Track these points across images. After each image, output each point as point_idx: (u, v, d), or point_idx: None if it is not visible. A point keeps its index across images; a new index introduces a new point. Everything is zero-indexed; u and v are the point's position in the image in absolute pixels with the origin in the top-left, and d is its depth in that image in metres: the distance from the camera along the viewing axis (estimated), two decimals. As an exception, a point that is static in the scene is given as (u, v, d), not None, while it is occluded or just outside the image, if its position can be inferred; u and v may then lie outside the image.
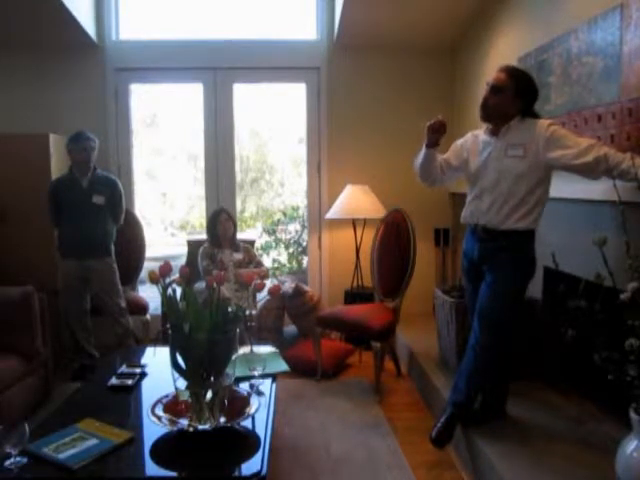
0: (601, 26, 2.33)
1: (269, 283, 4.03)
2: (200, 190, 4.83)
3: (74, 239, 3.55)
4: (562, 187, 2.42)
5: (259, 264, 4.02)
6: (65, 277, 3.60)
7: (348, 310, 3.68)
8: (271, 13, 4.50)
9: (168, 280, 1.91)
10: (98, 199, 3.56)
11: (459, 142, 2.56)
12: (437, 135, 2.40)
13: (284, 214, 5.87)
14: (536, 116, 2.37)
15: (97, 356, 3.70)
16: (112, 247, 3.68)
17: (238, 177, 4.80)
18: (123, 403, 2.25)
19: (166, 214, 6.25)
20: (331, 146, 4.49)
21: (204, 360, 1.84)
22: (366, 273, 4.15)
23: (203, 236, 4.21)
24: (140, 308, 3.98)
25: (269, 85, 4.80)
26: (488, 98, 2.31)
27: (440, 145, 2.47)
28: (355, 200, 4.15)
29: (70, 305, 3.63)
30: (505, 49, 3.41)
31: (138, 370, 2.51)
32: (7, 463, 1.66)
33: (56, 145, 3.86)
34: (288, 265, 5.80)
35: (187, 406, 1.91)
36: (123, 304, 3.68)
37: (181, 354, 1.87)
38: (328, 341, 3.88)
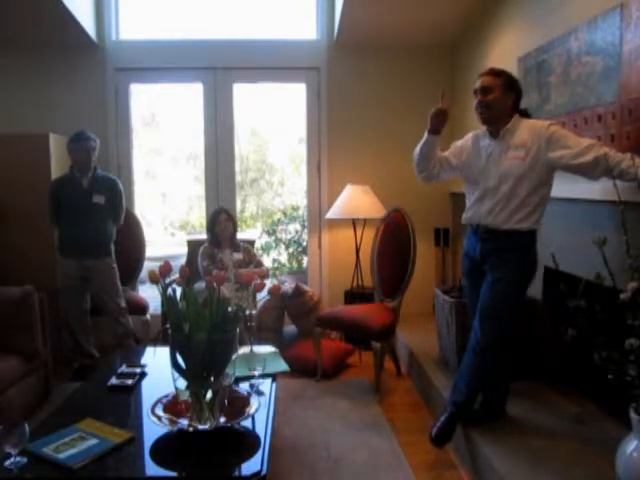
0: (601, 26, 2.33)
1: (269, 283, 4.03)
2: (200, 190, 4.83)
3: (74, 239, 3.55)
4: (562, 187, 2.42)
5: (259, 264, 4.02)
6: (65, 277, 3.60)
7: (348, 310, 3.68)
8: (271, 13, 4.51)
9: (168, 280, 1.91)
10: (99, 199, 3.56)
11: (459, 143, 2.56)
12: (439, 121, 2.40)
13: (284, 214, 5.87)
14: (528, 116, 2.39)
15: (97, 356, 3.71)
16: (112, 247, 3.68)
17: (238, 177, 4.80)
18: (123, 403, 2.24)
19: (166, 214, 6.25)
20: (331, 146, 4.49)
21: (204, 360, 1.84)
22: (366, 273, 4.15)
23: (203, 236, 4.21)
24: (140, 308, 3.98)
25: (269, 85, 4.80)
26: (482, 99, 2.33)
27: (442, 135, 2.46)
28: (355, 200, 4.15)
29: (70, 305, 3.63)
30: (505, 49, 3.41)
31: (138, 370, 2.51)
32: (7, 463, 1.66)
33: (56, 145, 3.85)
34: (288, 265, 5.80)
35: (187, 406, 1.91)
36: (123, 304, 3.68)
37: (181, 354, 1.86)
38: (328, 341, 3.88)
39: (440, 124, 2.41)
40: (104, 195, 3.59)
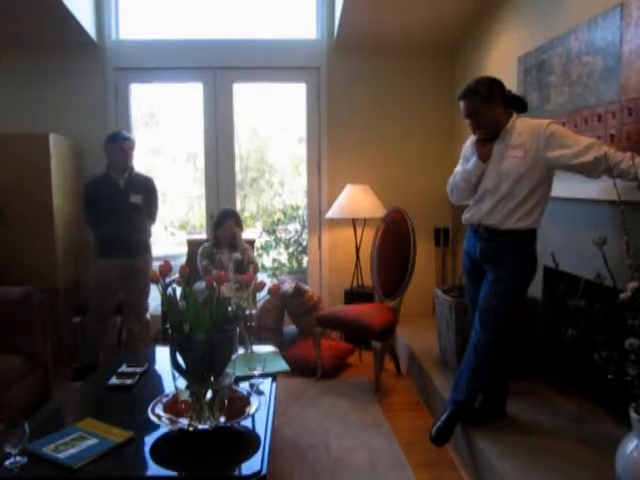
0: (601, 26, 2.33)
1: (268, 281, 4.02)
2: (200, 189, 4.84)
3: (115, 239, 3.56)
4: (562, 187, 2.42)
5: (251, 261, 3.96)
6: (103, 276, 3.61)
7: (348, 310, 3.68)
8: (271, 13, 4.51)
9: (168, 280, 1.91)
10: (136, 199, 3.59)
11: (467, 150, 2.52)
12: (485, 148, 2.34)
13: (284, 214, 5.87)
14: (522, 103, 2.35)
15: (99, 357, 3.71)
16: (151, 243, 3.74)
17: (238, 177, 4.80)
18: (123, 403, 2.24)
19: (166, 213, 6.24)
20: (331, 146, 4.49)
21: (204, 360, 1.84)
22: (366, 273, 4.15)
23: (203, 236, 4.21)
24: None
25: (269, 85, 4.80)
26: (474, 125, 2.32)
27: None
28: (355, 200, 4.15)
29: (102, 304, 3.64)
30: (505, 49, 3.41)
31: (138, 370, 2.51)
32: (7, 463, 1.66)
33: (56, 145, 3.86)
34: (288, 265, 5.80)
35: (187, 406, 1.91)
36: (148, 303, 3.77)
37: (181, 354, 1.86)
38: (328, 341, 3.88)
39: (487, 152, 2.34)
40: (141, 194, 3.61)
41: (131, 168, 3.63)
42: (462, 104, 2.32)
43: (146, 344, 3.65)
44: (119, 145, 3.53)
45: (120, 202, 3.55)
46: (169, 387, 1.97)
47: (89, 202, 3.61)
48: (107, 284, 3.60)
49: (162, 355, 2.79)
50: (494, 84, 2.31)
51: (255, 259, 4.10)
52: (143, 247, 3.67)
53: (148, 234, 3.72)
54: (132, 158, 3.63)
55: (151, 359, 2.76)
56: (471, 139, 2.51)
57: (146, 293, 3.72)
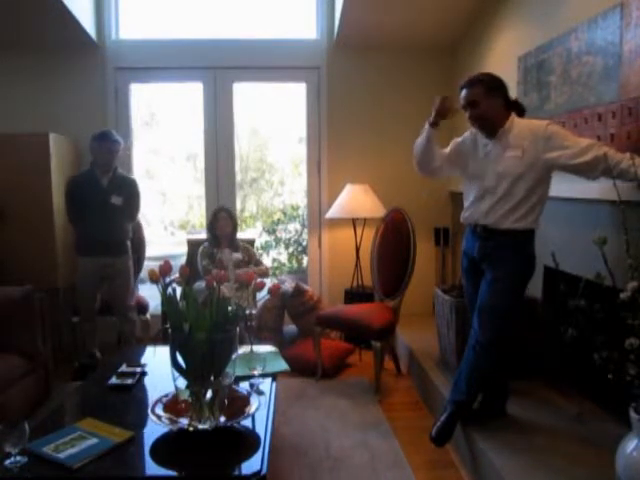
0: (601, 25, 2.33)
1: (269, 282, 4.03)
2: (200, 189, 4.84)
3: (92, 237, 3.55)
4: (562, 187, 2.42)
5: (258, 263, 4.02)
6: (83, 276, 3.61)
7: (348, 309, 3.68)
8: (271, 12, 4.51)
9: (168, 279, 1.91)
10: (116, 200, 3.57)
11: (459, 140, 2.54)
12: (441, 117, 2.40)
13: (284, 213, 5.87)
14: (521, 108, 2.37)
15: (98, 356, 3.71)
16: (129, 244, 3.72)
17: (238, 176, 4.80)
18: (123, 402, 2.24)
19: (166, 213, 6.24)
20: (331, 146, 4.49)
21: (204, 359, 1.84)
22: (366, 272, 4.15)
23: (203, 235, 4.21)
24: (140, 307, 3.99)
25: (269, 85, 4.80)
26: (472, 114, 2.31)
27: (440, 127, 2.44)
28: (355, 200, 4.15)
29: (86, 304, 3.65)
30: (505, 49, 3.41)
31: (138, 369, 2.51)
32: (7, 462, 1.66)
33: (56, 145, 3.86)
34: (288, 264, 5.80)
35: (187, 405, 1.91)
36: (134, 301, 3.76)
37: (181, 353, 1.86)
38: (328, 340, 3.88)
39: (442, 115, 2.39)
40: (122, 196, 3.59)
41: (115, 168, 3.62)
42: (464, 93, 2.31)
43: (142, 343, 3.66)
44: (107, 146, 3.51)
45: (101, 201, 3.53)
46: (169, 387, 1.97)
47: (72, 198, 3.59)
48: (88, 283, 3.59)
49: (162, 355, 2.78)
50: (498, 80, 2.32)
51: (261, 261, 4.12)
52: (122, 247, 3.64)
53: (126, 234, 3.69)
54: (117, 159, 3.61)
55: (151, 359, 2.75)
56: (470, 132, 2.51)
57: (129, 293, 3.69)
